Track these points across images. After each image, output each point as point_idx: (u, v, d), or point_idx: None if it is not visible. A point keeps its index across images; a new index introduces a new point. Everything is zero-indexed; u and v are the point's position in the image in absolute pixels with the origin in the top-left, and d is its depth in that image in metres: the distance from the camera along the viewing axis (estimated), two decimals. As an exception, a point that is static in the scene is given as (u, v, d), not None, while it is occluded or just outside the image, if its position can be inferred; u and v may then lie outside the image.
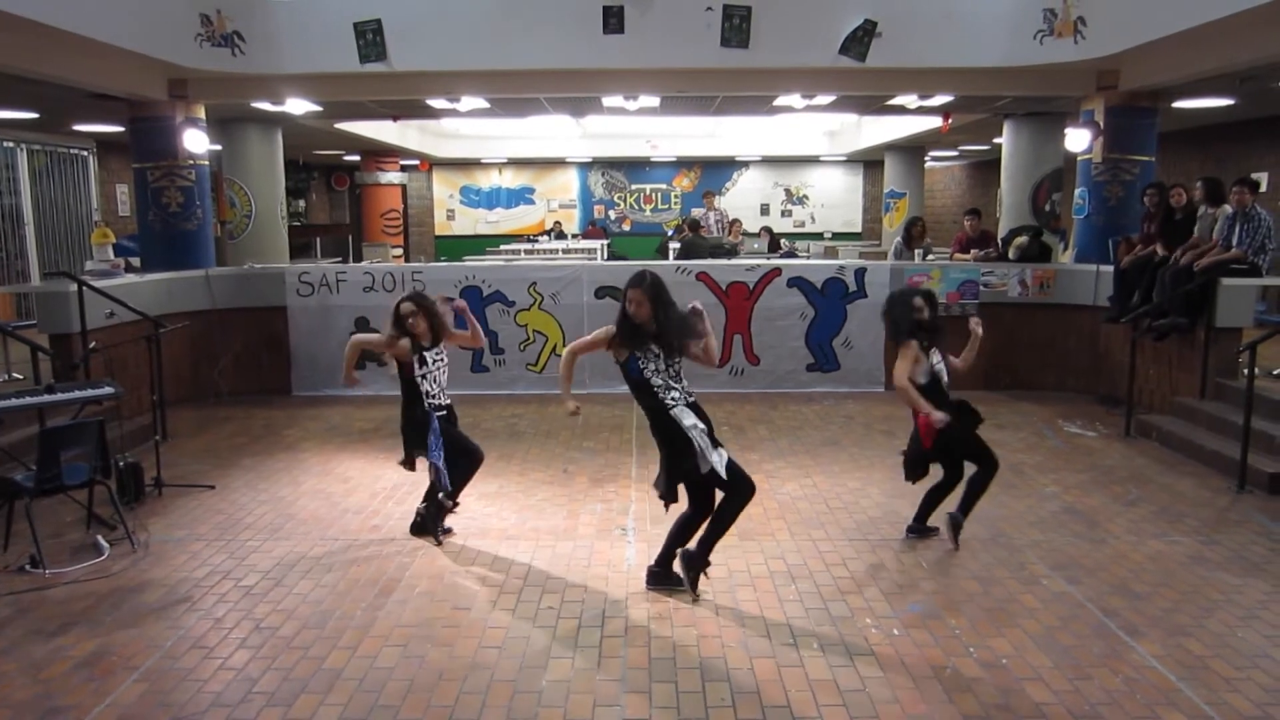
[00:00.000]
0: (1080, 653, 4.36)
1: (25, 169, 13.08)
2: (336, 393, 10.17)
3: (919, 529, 5.81)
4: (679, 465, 4.76)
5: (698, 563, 4.93)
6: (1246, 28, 7.33)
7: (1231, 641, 4.47)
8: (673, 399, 4.74)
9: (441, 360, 5.77)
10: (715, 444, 4.77)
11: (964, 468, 5.63)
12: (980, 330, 5.73)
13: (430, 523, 5.80)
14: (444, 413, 5.74)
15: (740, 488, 4.79)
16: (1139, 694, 3.99)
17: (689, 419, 4.71)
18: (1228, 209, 8.32)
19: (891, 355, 9.96)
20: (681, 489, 4.89)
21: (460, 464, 5.75)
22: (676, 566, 4.97)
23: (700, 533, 4.91)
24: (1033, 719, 3.80)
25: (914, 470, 5.68)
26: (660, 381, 4.74)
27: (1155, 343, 8.67)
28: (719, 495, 4.84)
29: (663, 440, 4.82)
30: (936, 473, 5.74)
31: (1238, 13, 6.86)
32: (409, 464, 5.88)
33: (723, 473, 4.70)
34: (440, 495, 5.78)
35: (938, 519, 5.77)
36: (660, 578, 5.01)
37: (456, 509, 5.94)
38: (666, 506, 4.94)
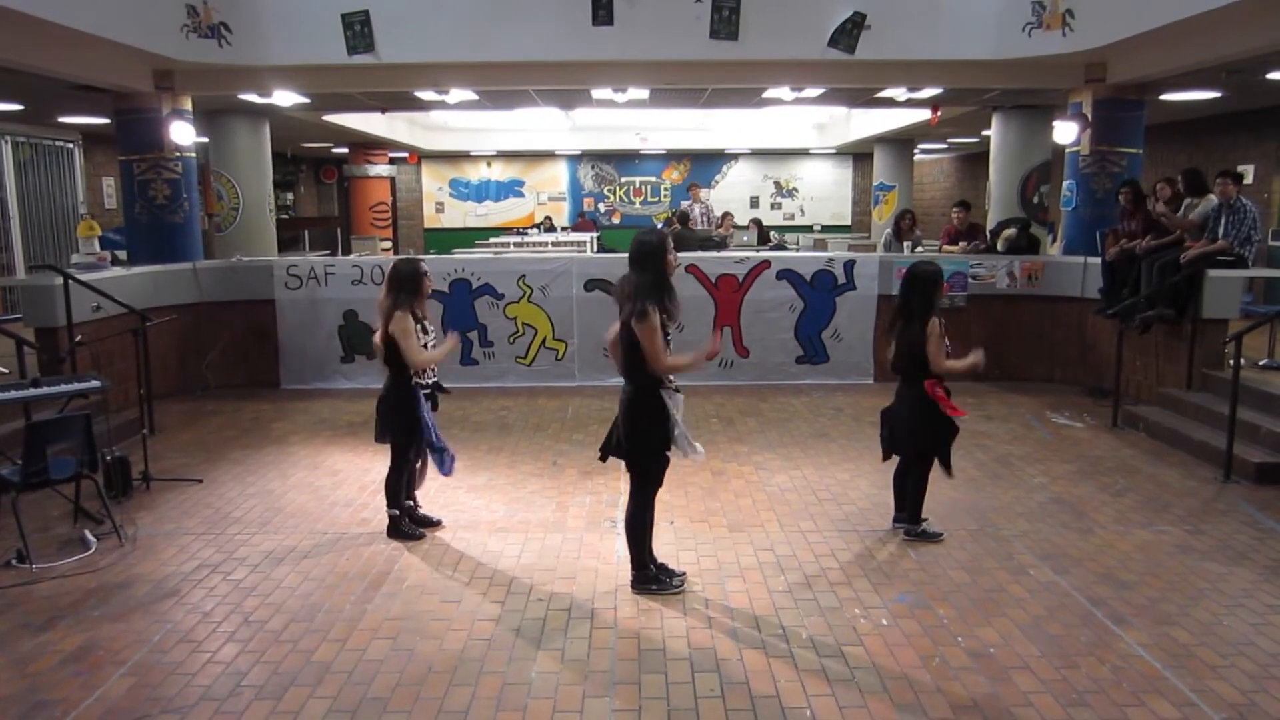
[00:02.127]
0: (1067, 642, 4.39)
1: (10, 161, 12.97)
2: (325, 386, 10.16)
3: (905, 518, 5.83)
4: (637, 446, 4.75)
5: (644, 576, 4.94)
6: (1232, 21, 7.36)
7: (1217, 630, 4.51)
8: (668, 380, 4.73)
9: (434, 334, 5.71)
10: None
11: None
12: (981, 362, 5.59)
13: (394, 530, 5.75)
14: (428, 390, 5.67)
15: (650, 485, 4.83)
16: (1126, 682, 4.02)
17: (672, 401, 4.71)
18: (1212, 198, 8.36)
19: (882, 348, 10.06)
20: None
21: (405, 470, 5.74)
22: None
23: (628, 548, 4.95)
24: (1020, 708, 3.83)
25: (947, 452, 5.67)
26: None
27: (1140, 334, 8.71)
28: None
29: (633, 416, 4.74)
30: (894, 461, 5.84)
31: (1223, 6, 6.89)
32: (383, 441, 5.76)
33: (698, 454, 4.74)
34: (387, 508, 5.76)
35: (901, 527, 5.82)
36: (643, 580, 4.97)
37: (402, 515, 5.83)
38: (603, 459, 4.96)
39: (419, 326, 5.55)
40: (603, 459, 4.96)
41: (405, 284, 5.52)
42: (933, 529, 5.71)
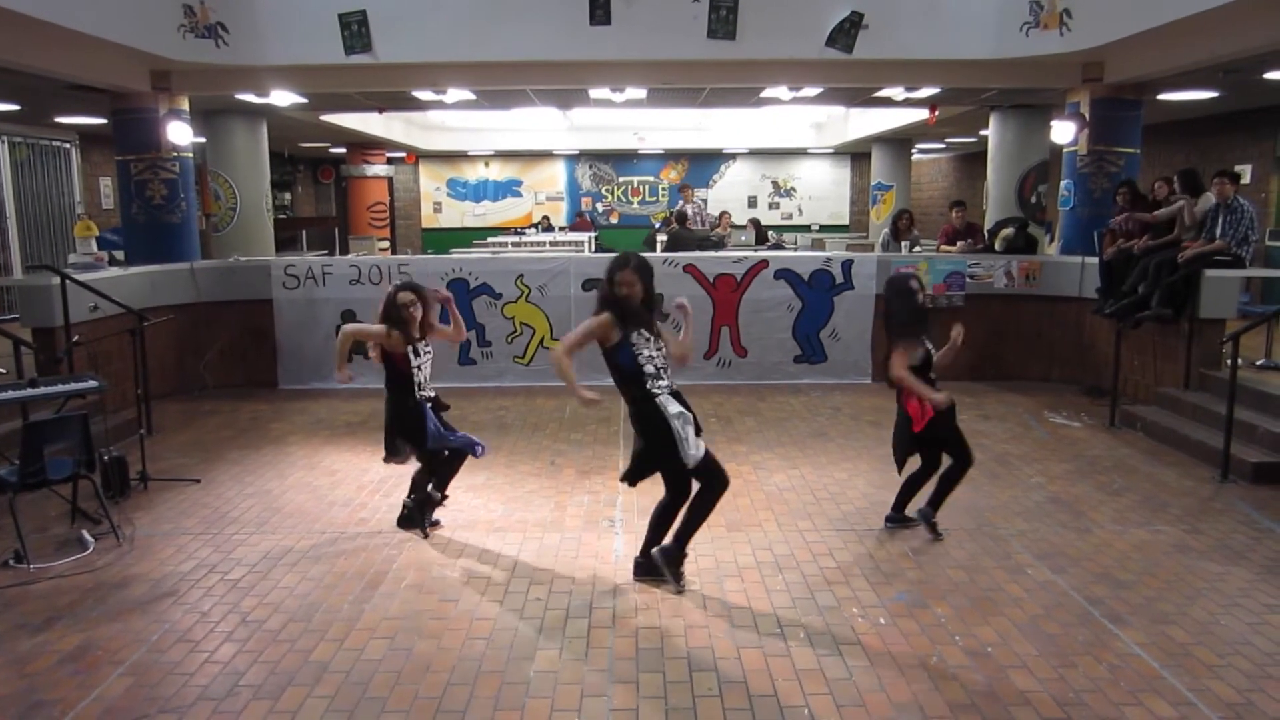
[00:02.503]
0: (1065, 641, 4.39)
1: (6, 161, 12.96)
2: (323, 386, 10.14)
3: (898, 518, 5.83)
4: (657, 456, 4.77)
5: (675, 556, 4.95)
6: (1229, 20, 7.36)
7: (1214, 629, 4.51)
8: (659, 388, 4.75)
9: (429, 352, 5.76)
10: (698, 431, 4.80)
11: (941, 458, 5.65)
12: (960, 340, 5.70)
13: (417, 515, 5.80)
14: (430, 403, 5.73)
15: (716, 479, 4.83)
16: (1123, 681, 4.02)
17: (674, 407, 4.72)
18: (1210, 196, 8.36)
19: (880, 346, 10.08)
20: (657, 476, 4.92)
21: (449, 459, 5.78)
22: (657, 557, 4.98)
23: (676, 525, 4.93)
24: (1018, 706, 3.83)
25: (903, 456, 5.68)
26: (651, 370, 4.74)
27: (1132, 330, 8.70)
28: (695, 483, 4.86)
29: (644, 430, 4.81)
30: (915, 461, 5.77)
31: (1220, 5, 6.90)
32: (396, 459, 5.85)
33: (703, 462, 4.74)
34: (430, 488, 5.80)
35: (917, 508, 5.80)
36: (646, 568, 5.02)
37: (445, 502, 5.95)
38: (631, 484, 4.98)
39: (410, 349, 5.60)
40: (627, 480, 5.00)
41: (387, 314, 5.60)
42: (911, 514, 5.77)
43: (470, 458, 5.86)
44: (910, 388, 5.41)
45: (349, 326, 6.02)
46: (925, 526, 5.68)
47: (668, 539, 4.96)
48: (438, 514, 6.03)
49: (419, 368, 5.64)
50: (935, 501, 5.69)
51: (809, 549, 5.53)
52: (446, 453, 5.77)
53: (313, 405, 9.42)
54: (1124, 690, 3.95)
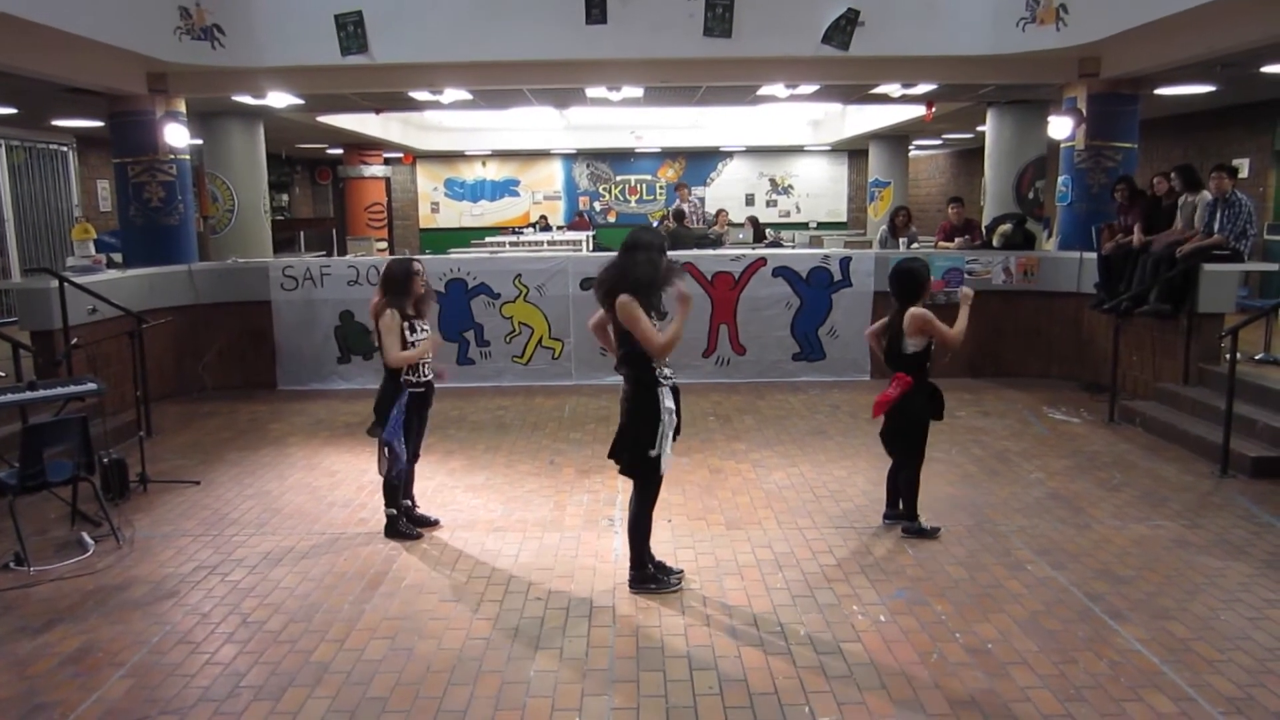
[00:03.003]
0: (1065, 637, 4.39)
1: (4, 165, 12.96)
2: (321, 387, 10.15)
3: (895, 514, 5.84)
4: (633, 442, 4.75)
5: (642, 575, 4.93)
6: (1225, 15, 7.37)
7: (1214, 624, 4.51)
8: (663, 377, 4.72)
9: (426, 334, 5.72)
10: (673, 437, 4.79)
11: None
12: (970, 292, 5.64)
13: (391, 532, 5.75)
14: (421, 389, 5.67)
15: (653, 487, 4.84)
16: (1123, 677, 4.03)
17: (669, 401, 4.71)
18: (1207, 195, 8.37)
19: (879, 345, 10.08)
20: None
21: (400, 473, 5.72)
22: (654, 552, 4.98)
23: (628, 546, 4.94)
24: (1018, 703, 3.83)
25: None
26: None
27: (1124, 319, 8.65)
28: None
29: (631, 411, 4.75)
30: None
31: (1217, 0, 6.91)
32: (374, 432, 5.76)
33: (664, 467, 4.74)
34: (385, 505, 5.76)
35: (901, 526, 5.82)
36: (641, 579, 4.97)
37: (397, 515, 5.81)
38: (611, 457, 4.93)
39: (407, 325, 5.54)
40: (610, 457, 4.97)
41: (392, 284, 5.56)
42: (929, 525, 5.72)
43: (470, 458, 5.81)
44: (961, 331, 5.46)
45: (389, 344, 5.53)
46: (915, 537, 5.64)
47: (629, 568, 4.95)
48: (437, 513, 6.04)
49: (413, 344, 5.58)
50: (909, 512, 5.72)
51: (808, 547, 5.54)
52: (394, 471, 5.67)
53: (312, 406, 9.42)
54: (1124, 686, 3.96)
